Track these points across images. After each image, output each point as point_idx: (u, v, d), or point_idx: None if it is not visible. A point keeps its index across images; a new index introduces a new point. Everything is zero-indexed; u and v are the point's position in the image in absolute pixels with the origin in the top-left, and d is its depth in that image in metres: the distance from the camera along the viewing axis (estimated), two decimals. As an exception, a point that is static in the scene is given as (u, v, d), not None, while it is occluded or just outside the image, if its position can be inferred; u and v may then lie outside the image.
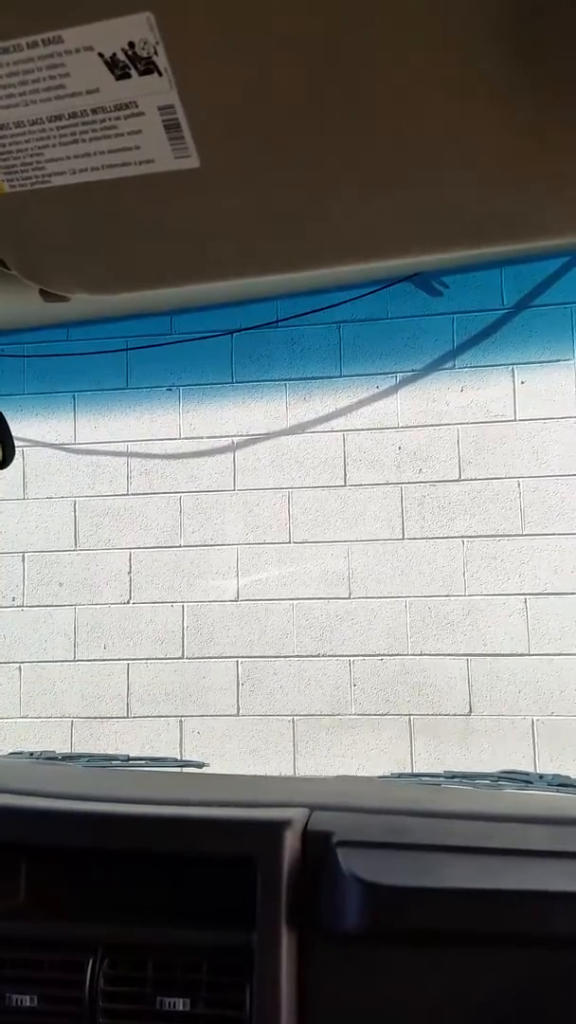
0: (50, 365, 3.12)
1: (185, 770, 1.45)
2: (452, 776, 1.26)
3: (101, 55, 0.39)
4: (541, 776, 1.25)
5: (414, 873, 0.83)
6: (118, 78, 0.40)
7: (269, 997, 0.80)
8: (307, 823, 0.89)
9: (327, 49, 0.39)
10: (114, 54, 0.39)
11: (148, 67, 0.40)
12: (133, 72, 0.40)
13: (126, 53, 0.39)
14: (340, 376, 2.96)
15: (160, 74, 0.40)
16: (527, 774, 1.27)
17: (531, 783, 1.22)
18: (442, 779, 1.26)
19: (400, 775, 1.34)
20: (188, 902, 0.87)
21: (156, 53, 0.39)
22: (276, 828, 0.86)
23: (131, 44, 0.38)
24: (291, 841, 0.86)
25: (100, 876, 0.90)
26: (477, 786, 1.21)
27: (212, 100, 0.41)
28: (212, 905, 0.86)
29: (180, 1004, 0.80)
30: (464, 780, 1.24)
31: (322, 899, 0.84)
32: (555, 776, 1.23)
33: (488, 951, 0.82)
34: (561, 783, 1.19)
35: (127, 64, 0.39)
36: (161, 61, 0.39)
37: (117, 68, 0.40)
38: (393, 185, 0.47)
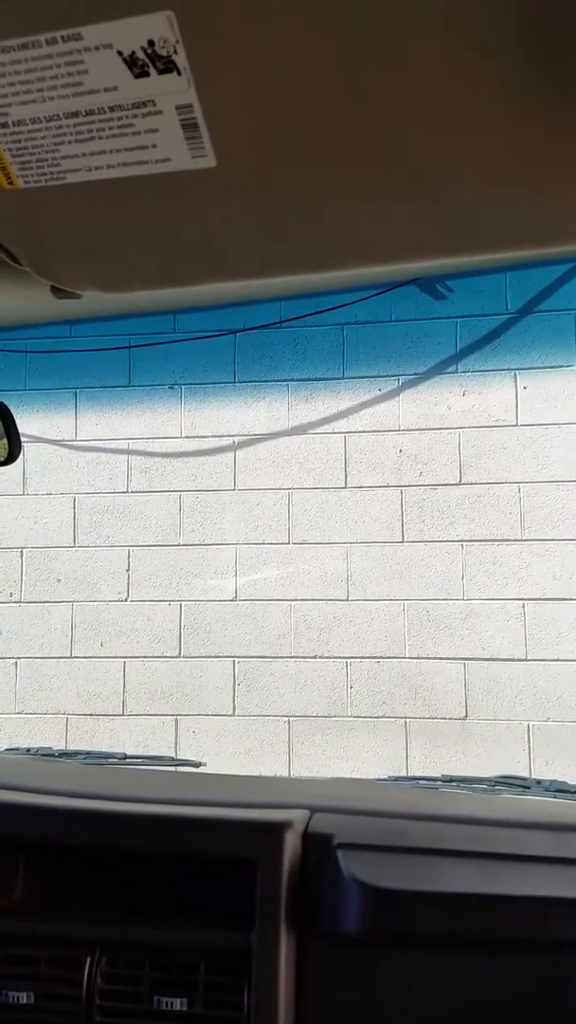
0: (52, 361, 3.11)
1: (182, 769, 1.45)
2: (450, 780, 1.26)
3: (120, 53, 0.39)
4: (539, 781, 1.25)
5: (413, 877, 0.83)
6: (136, 76, 0.40)
7: (267, 998, 0.80)
8: (308, 825, 0.89)
9: (345, 52, 0.39)
10: (133, 52, 0.39)
11: (167, 66, 0.39)
12: (152, 71, 0.40)
13: (145, 51, 0.39)
14: (342, 378, 2.96)
15: (179, 73, 0.40)
16: (524, 779, 1.27)
17: (528, 788, 1.22)
18: (439, 783, 1.26)
19: (397, 778, 1.34)
20: (187, 902, 0.87)
21: (175, 52, 0.39)
22: (277, 829, 0.86)
23: (151, 42, 0.38)
24: (292, 843, 0.86)
25: (100, 874, 0.90)
26: (475, 790, 1.21)
27: (230, 100, 0.41)
28: (211, 905, 0.86)
29: (177, 1004, 0.80)
30: (462, 784, 1.24)
31: (322, 901, 0.84)
32: (552, 782, 1.23)
33: (486, 955, 0.82)
34: (559, 789, 1.19)
35: (146, 62, 0.39)
36: (180, 60, 0.39)
37: (136, 66, 0.39)
38: (411, 188, 0.47)
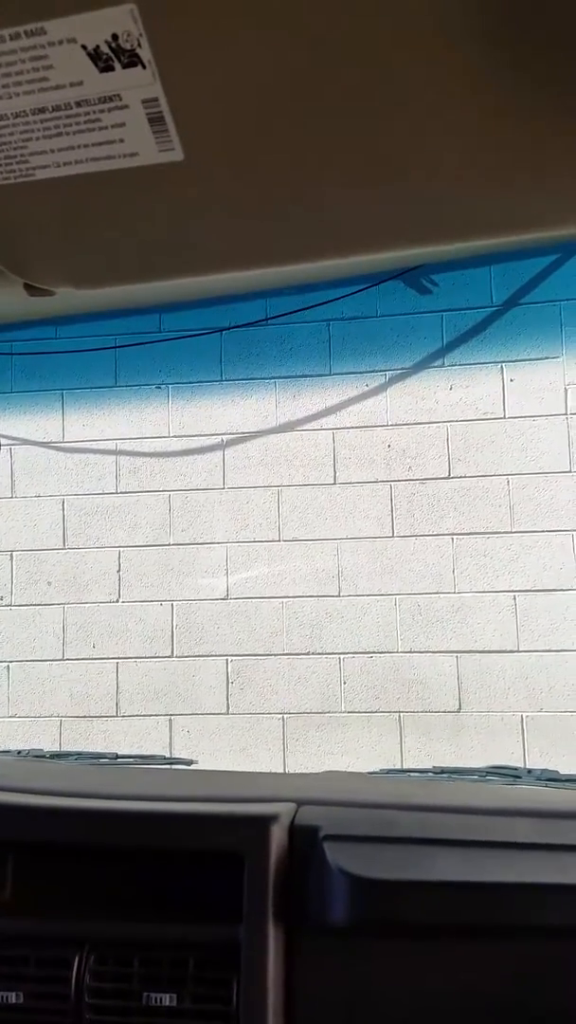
0: (38, 362, 3.10)
1: (173, 767, 1.45)
2: (441, 771, 1.27)
3: (84, 47, 0.39)
4: (529, 771, 1.25)
5: (401, 866, 0.83)
6: (102, 71, 0.40)
7: (256, 991, 0.80)
8: (294, 818, 0.89)
9: (313, 40, 0.39)
10: (97, 46, 0.39)
11: (132, 60, 0.39)
12: (117, 65, 0.40)
13: (109, 45, 0.39)
14: (329, 374, 2.96)
15: (144, 67, 0.40)
16: (515, 769, 1.27)
17: (519, 778, 1.22)
18: (431, 775, 1.26)
19: (389, 771, 1.34)
20: (175, 897, 0.87)
21: (140, 46, 0.39)
22: (263, 823, 0.86)
23: (115, 36, 0.38)
24: (278, 836, 0.86)
25: (87, 872, 0.90)
26: (466, 781, 1.22)
27: (196, 93, 0.41)
28: (199, 900, 0.86)
29: (167, 999, 0.80)
30: (453, 775, 1.24)
31: (309, 893, 0.84)
32: (543, 771, 1.23)
33: (475, 943, 0.82)
34: (550, 778, 1.20)
35: (111, 56, 0.39)
36: (145, 54, 0.39)
37: (101, 60, 0.39)
38: (380, 177, 0.47)
